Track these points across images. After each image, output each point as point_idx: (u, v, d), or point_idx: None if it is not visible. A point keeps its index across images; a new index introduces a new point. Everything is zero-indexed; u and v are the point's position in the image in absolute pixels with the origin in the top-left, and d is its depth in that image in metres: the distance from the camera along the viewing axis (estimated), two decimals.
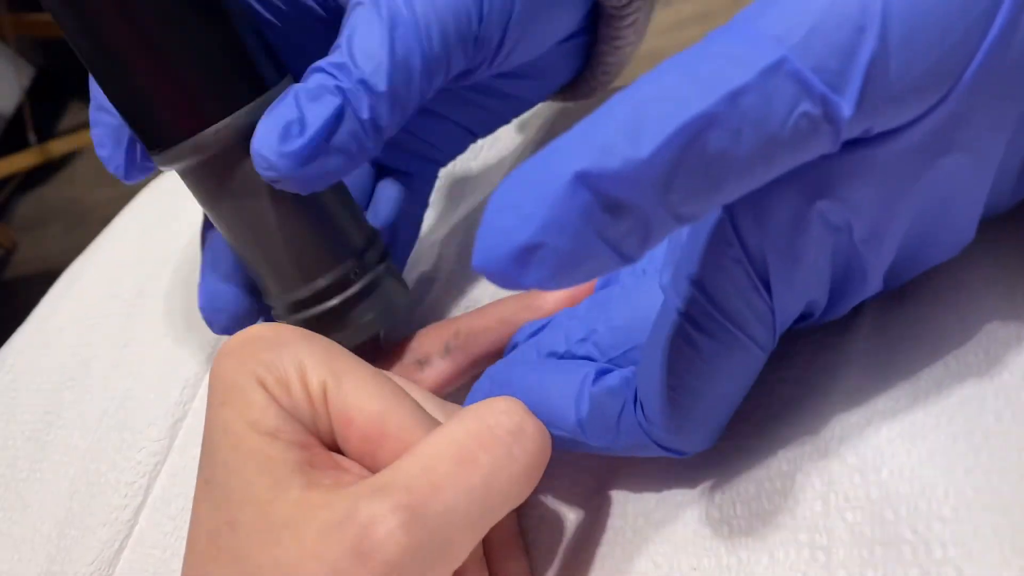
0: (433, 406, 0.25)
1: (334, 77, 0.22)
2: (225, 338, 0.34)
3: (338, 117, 0.22)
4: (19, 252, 1.87)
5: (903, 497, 0.19)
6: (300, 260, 0.26)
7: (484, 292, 0.32)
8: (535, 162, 0.15)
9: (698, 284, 0.19)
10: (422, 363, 0.28)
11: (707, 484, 0.23)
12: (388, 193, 0.31)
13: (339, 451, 0.22)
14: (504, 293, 0.31)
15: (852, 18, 0.14)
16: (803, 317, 0.21)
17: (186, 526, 0.30)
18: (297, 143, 0.22)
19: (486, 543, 0.24)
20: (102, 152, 0.26)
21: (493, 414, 0.21)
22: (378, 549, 0.18)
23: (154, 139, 0.24)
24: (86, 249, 0.46)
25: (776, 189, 0.17)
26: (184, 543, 0.22)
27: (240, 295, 0.28)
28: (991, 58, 0.15)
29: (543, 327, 0.27)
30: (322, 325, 0.27)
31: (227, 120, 0.23)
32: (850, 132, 0.15)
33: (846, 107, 0.15)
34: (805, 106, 0.15)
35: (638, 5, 0.29)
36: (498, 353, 0.28)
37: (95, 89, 0.25)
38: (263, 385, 0.21)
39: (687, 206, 0.15)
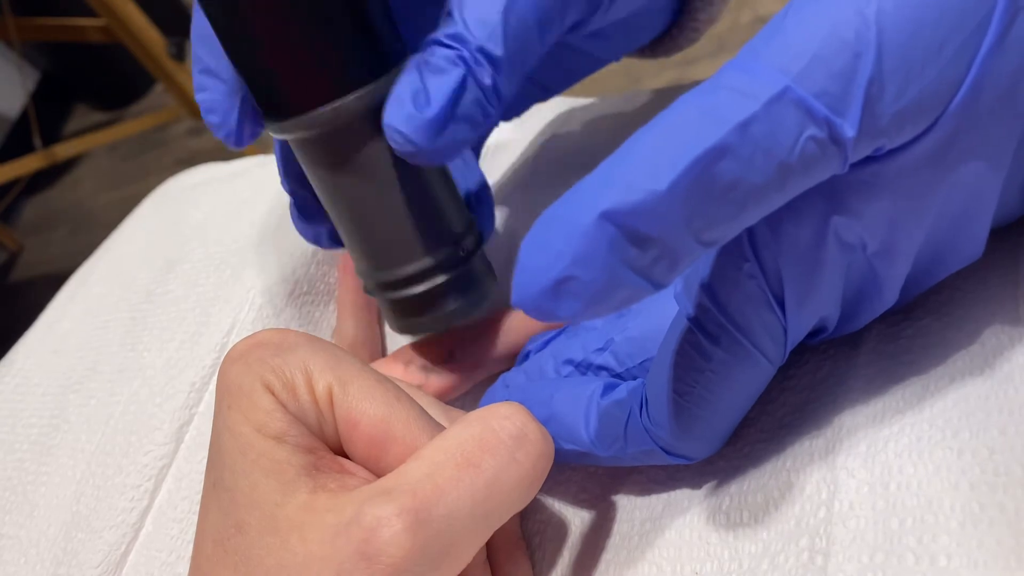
0: (438, 411, 0.25)
1: (453, 48, 0.22)
2: (232, 342, 0.34)
3: (462, 87, 0.22)
4: (24, 255, 1.88)
5: (909, 510, 0.19)
6: (401, 242, 0.26)
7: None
8: (563, 202, 0.16)
9: (712, 296, 0.19)
10: (427, 369, 0.29)
11: (714, 490, 0.23)
12: (459, 158, 0.30)
13: (344, 455, 0.23)
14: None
15: (849, 44, 0.15)
16: (816, 332, 0.21)
17: (192, 529, 0.30)
18: (428, 114, 0.22)
19: (490, 546, 0.24)
20: (211, 118, 0.26)
21: (496, 419, 0.21)
22: (383, 552, 0.19)
23: (276, 108, 0.24)
24: (93, 253, 0.46)
25: (792, 206, 0.18)
26: (191, 546, 0.22)
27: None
28: (986, 70, 0.16)
29: (557, 335, 0.27)
30: (411, 308, 0.27)
31: (350, 97, 0.24)
32: (857, 152, 0.16)
33: (849, 128, 0.16)
34: (811, 131, 0.15)
35: None
36: (503, 360, 0.29)
37: (202, 53, 0.25)
38: (270, 389, 0.22)
39: (710, 232, 0.16)
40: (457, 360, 0.28)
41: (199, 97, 0.26)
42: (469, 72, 0.22)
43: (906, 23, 0.15)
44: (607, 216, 0.16)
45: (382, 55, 0.24)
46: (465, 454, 0.20)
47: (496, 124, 0.23)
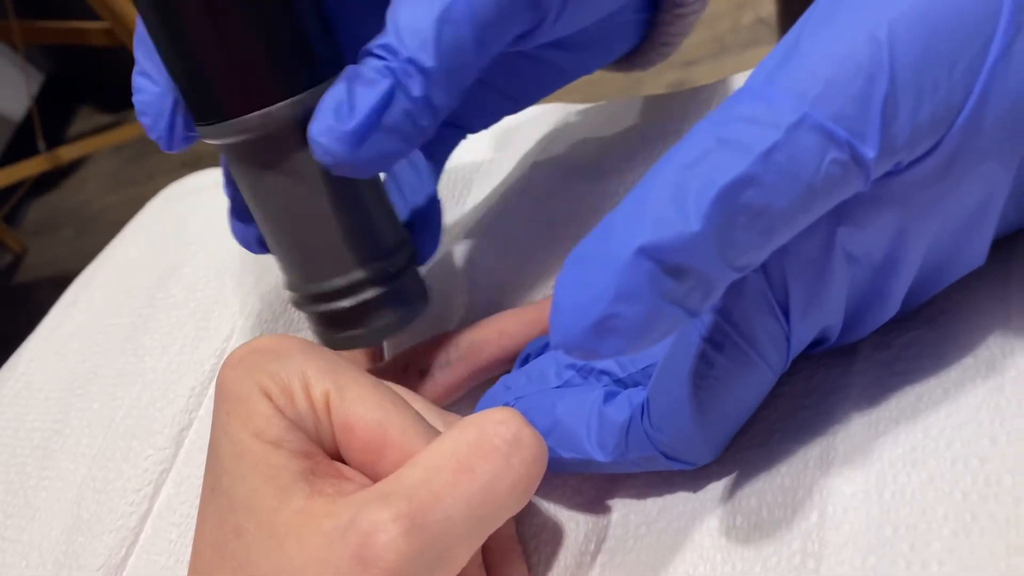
0: (434, 416, 0.25)
1: (383, 58, 0.22)
2: (232, 348, 0.34)
3: (388, 98, 0.22)
4: (28, 257, 1.88)
5: (903, 517, 0.19)
6: (327, 254, 0.26)
7: (488, 302, 0.32)
8: (594, 242, 0.17)
9: (717, 303, 0.19)
10: (423, 374, 0.29)
11: (709, 495, 0.23)
12: (413, 173, 0.30)
13: (341, 460, 0.23)
14: (508, 305, 0.31)
15: (863, 66, 0.16)
16: (818, 342, 0.22)
17: (191, 533, 0.30)
18: (349, 125, 0.22)
19: (485, 550, 0.24)
20: (144, 120, 0.25)
21: (491, 424, 0.21)
22: (379, 556, 0.19)
23: (206, 112, 0.24)
24: (96, 258, 0.46)
25: None
26: (189, 550, 0.23)
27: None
28: (989, 85, 0.16)
29: None
30: (337, 321, 0.27)
31: (282, 104, 0.23)
32: (878, 170, 0.16)
33: (870, 149, 0.16)
34: (833, 154, 0.16)
35: None
36: (499, 365, 0.29)
37: (140, 55, 0.25)
38: (267, 395, 0.22)
39: (742, 258, 0.16)
40: (453, 366, 0.29)
41: (134, 99, 0.26)
42: (398, 84, 0.22)
43: (917, 44, 0.16)
44: (644, 251, 0.16)
45: (316, 65, 0.24)
46: (460, 459, 0.20)
47: (430, 136, 0.23)
